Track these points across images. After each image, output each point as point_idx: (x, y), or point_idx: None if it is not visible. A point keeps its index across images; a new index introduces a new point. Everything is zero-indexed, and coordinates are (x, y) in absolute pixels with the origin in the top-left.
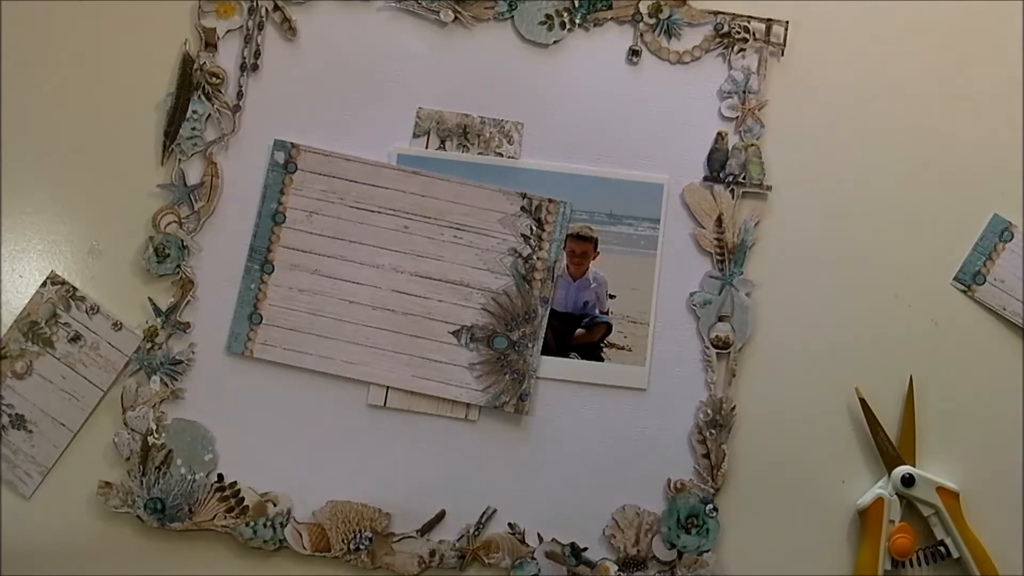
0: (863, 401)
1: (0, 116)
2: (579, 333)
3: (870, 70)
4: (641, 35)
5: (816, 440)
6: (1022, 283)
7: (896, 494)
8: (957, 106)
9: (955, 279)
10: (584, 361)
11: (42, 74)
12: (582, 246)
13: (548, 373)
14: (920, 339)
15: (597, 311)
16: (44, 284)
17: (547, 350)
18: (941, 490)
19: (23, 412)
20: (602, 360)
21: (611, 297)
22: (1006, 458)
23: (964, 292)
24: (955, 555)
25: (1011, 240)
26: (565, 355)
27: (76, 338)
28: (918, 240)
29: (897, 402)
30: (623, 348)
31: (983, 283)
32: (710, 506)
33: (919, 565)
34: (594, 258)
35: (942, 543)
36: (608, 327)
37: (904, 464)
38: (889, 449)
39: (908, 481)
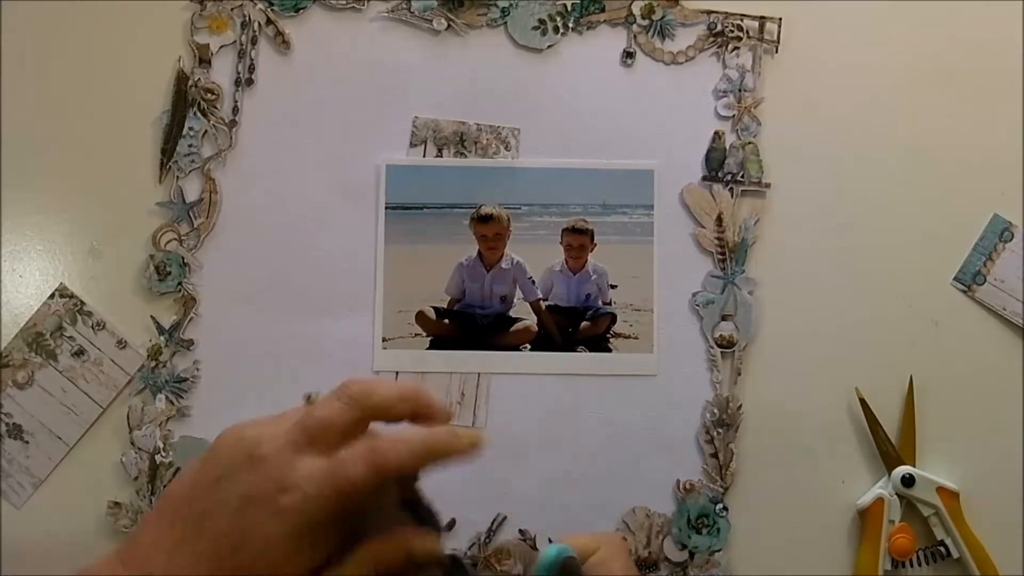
0: (863, 401)
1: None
2: (584, 326)
3: (866, 66)
4: (635, 37)
5: (816, 440)
6: (1022, 283)
7: (896, 494)
8: (956, 105)
9: (955, 279)
10: (592, 353)
11: (36, 96)
12: (579, 239)
13: (556, 369)
14: (920, 339)
15: (600, 302)
16: (52, 296)
17: (553, 346)
18: (941, 490)
19: (21, 423)
20: (609, 351)
21: (613, 287)
22: (1006, 458)
23: (964, 292)
24: (955, 555)
25: (1011, 240)
26: (572, 349)
27: (80, 353)
28: (918, 240)
29: (897, 402)
30: (629, 336)
31: (983, 283)
32: (720, 505)
33: (919, 565)
34: (592, 250)
35: (942, 543)
36: (613, 317)
37: (904, 464)
38: (889, 449)
39: (908, 481)
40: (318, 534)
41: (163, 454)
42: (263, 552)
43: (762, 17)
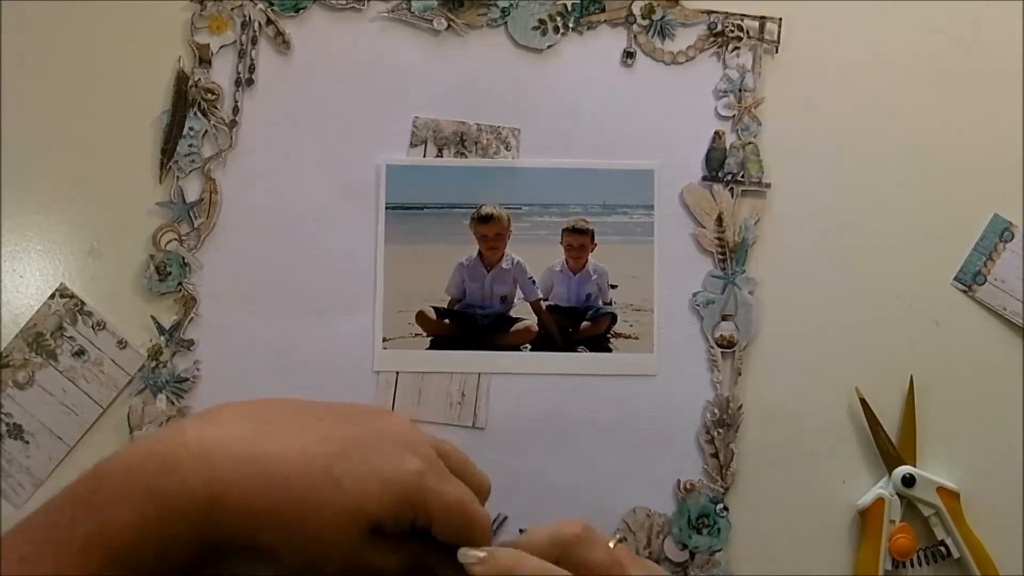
0: (863, 401)
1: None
2: (584, 326)
3: (866, 66)
4: (635, 37)
5: (816, 440)
6: (1022, 283)
7: (897, 494)
8: (956, 105)
9: (955, 279)
10: (592, 353)
11: (36, 96)
12: (579, 239)
13: (556, 369)
14: (921, 339)
15: (600, 302)
16: (52, 296)
17: (553, 346)
18: (942, 490)
19: (21, 423)
20: (610, 351)
21: (613, 287)
22: (1006, 458)
23: (964, 292)
24: (956, 555)
25: (1011, 240)
26: (572, 349)
27: (80, 353)
28: (918, 240)
29: (897, 402)
30: (630, 337)
31: (983, 283)
32: (720, 505)
33: (920, 565)
34: (592, 250)
35: (943, 543)
36: (613, 317)
37: (905, 464)
38: (889, 449)
39: (909, 481)
40: (374, 536)
41: None
42: (343, 491)
43: (762, 17)
